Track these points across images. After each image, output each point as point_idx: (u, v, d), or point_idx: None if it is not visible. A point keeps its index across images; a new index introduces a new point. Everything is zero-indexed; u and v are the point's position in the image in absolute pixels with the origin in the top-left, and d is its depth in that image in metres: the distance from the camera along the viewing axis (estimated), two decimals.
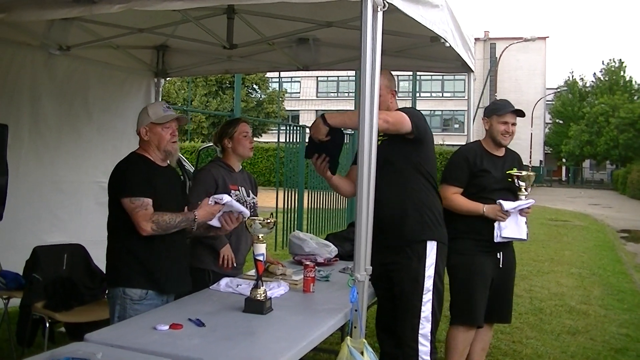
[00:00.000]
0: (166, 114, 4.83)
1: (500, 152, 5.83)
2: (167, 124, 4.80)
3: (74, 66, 7.74)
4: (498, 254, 5.77)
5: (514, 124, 5.80)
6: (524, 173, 5.69)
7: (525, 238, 5.71)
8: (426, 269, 4.96)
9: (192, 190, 5.62)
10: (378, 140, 4.49)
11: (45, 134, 7.31)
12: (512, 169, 5.75)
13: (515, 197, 5.67)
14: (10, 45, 7.07)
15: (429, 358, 4.96)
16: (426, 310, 4.95)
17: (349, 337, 4.04)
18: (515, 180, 5.66)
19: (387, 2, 4.21)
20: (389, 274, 4.96)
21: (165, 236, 4.60)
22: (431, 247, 5.00)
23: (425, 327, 4.94)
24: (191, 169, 14.74)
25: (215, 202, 4.70)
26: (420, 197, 5.08)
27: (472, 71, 7.55)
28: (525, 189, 5.66)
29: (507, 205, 5.52)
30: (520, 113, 5.82)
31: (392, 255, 4.93)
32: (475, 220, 5.57)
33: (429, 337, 4.95)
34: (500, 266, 5.79)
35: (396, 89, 5.15)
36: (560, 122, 76.26)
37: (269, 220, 4.31)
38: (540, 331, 8.52)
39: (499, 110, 5.78)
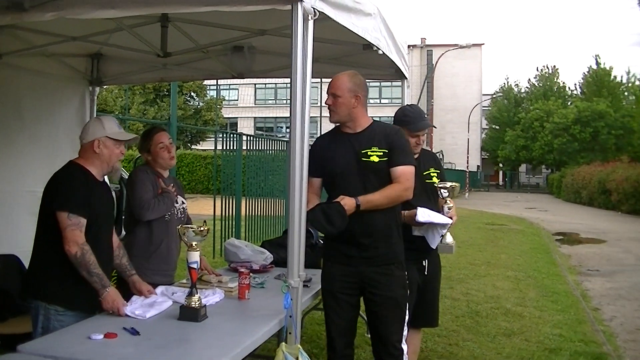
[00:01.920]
0: (121, 131, 4.80)
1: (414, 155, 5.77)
2: (120, 142, 4.77)
3: (6, 74, 7.62)
4: (423, 262, 5.86)
5: (424, 134, 5.88)
6: (448, 184, 5.71)
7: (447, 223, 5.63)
8: (406, 279, 5.14)
9: (135, 189, 5.49)
10: (374, 155, 4.79)
11: None
12: (428, 170, 5.82)
13: (434, 201, 5.77)
14: None
15: (407, 356, 5.19)
16: (408, 315, 5.19)
17: (283, 343, 4.08)
18: (440, 191, 5.71)
19: (318, 11, 4.26)
20: (377, 284, 4.99)
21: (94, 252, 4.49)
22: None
23: (405, 330, 5.17)
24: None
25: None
26: (399, 213, 5.21)
27: (406, 78, 7.63)
28: (448, 200, 5.71)
29: (422, 215, 5.49)
30: (431, 127, 5.87)
31: (383, 265, 4.99)
32: (404, 229, 5.51)
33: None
34: (425, 273, 5.89)
35: (363, 94, 5.07)
36: (497, 127, 77.28)
37: (202, 228, 4.32)
38: (476, 333, 8.64)
39: (410, 125, 5.73)
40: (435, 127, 5.99)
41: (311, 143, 4.89)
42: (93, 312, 4.54)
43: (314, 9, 4.21)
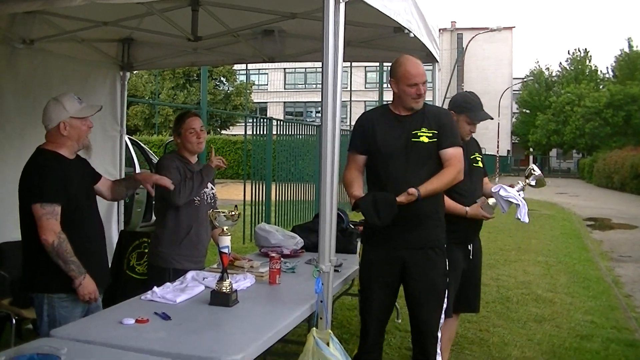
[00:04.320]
0: (83, 107, 4.74)
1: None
2: (85, 117, 4.73)
3: (38, 60, 7.66)
4: (469, 246, 5.83)
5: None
6: (537, 173, 5.78)
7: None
8: (447, 265, 5.10)
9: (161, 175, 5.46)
10: (424, 136, 4.77)
11: (8, 130, 7.23)
12: (474, 154, 5.80)
13: (477, 186, 5.78)
14: None
15: (441, 343, 5.17)
16: (446, 302, 5.13)
17: (314, 328, 4.06)
18: (527, 179, 5.77)
19: None
20: (417, 267, 4.98)
21: (79, 236, 4.56)
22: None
23: (442, 317, 5.11)
24: None
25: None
26: (442, 197, 5.18)
27: (437, 61, 7.57)
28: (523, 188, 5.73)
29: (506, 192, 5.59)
30: (491, 118, 5.86)
31: (423, 249, 4.97)
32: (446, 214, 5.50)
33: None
34: (470, 257, 5.86)
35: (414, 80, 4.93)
36: (527, 111, 76.76)
37: (233, 213, 4.32)
38: (507, 319, 8.59)
39: (471, 113, 5.72)
40: (492, 119, 5.96)
41: (343, 127, 4.87)
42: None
43: None
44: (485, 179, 6.13)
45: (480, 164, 5.90)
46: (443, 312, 5.10)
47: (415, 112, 4.97)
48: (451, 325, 6.02)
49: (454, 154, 4.90)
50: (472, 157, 5.80)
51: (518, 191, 5.65)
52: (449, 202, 5.43)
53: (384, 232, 4.89)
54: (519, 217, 5.66)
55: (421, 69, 4.96)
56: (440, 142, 4.89)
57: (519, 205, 5.64)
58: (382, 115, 5.16)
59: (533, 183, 5.79)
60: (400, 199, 4.64)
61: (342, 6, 4.21)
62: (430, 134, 4.89)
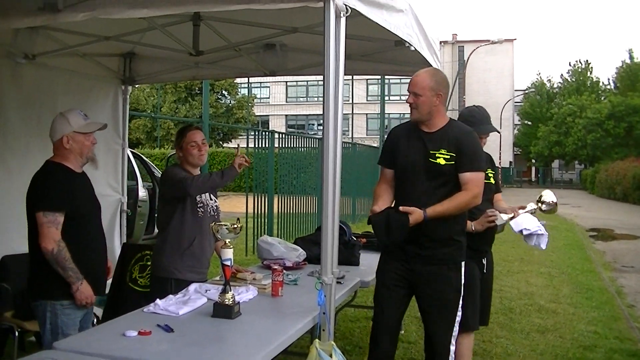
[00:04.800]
0: (87, 123, 4.91)
1: None
2: (89, 133, 4.90)
3: (41, 75, 7.69)
4: (483, 260, 5.83)
5: (487, 137, 5.86)
6: (550, 200, 5.93)
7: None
8: (462, 279, 5.07)
9: (170, 177, 5.63)
10: (442, 158, 4.80)
11: (12, 143, 7.26)
12: (486, 171, 5.77)
13: (488, 202, 5.78)
14: None
15: (454, 355, 5.14)
16: (459, 316, 5.10)
17: (317, 340, 4.08)
18: (539, 204, 5.92)
19: (350, 7, 4.25)
20: (429, 282, 4.99)
21: (81, 244, 4.71)
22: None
23: (456, 330, 5.09)
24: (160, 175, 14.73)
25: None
26: (462, 218, 5.15)
27: None
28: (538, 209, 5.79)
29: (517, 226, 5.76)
30: (496, 131, 5.87)
31: (437, 265, 4.97)
32: None
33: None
34: (484, 271, 5.88)
35: (444, 92, 5.00)
36: (529, 123, 76.79)
37: (235, 225, 4.34)
38: (510, 330, 8.60)
39: (475, 127, 5.57)
40: (499, 132, 5.95)
41: (345, 140, 4.90)
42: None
43: (346, 5, 4.20)
44: (498, 196, 6.10)
45: (491, 180, 5.88)
46: (457, 325, 5.08)
47: (438, 131, 4.97)
48: (469, 336, 6.00)
49: (471, 178, 4.88)
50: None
51: (531, 213, 5.71)
52: None
53: (400, 246, 4.95)
54: (540, 245, 5.71)
55: (415, 78, 4.99)
56: (458, 166, 4.88)
57: (542, 235, 5.69)
58: (407, 130, 5.18)
59: (544, 208, 5.81)
60: (412, 216, 4.69)
61: (342, 20, 4.24)
62: (448, 156, 4.88)
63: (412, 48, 6.01)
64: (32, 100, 7.43)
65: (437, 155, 4.88)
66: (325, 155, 4.23)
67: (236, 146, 5.99)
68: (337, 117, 4.25)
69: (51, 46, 7.26)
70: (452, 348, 5.09)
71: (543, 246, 5.76)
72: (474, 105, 6.11)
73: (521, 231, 5.75)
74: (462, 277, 5.06)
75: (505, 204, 6.10)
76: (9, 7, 4.75)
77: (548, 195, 5.97)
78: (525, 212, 5.80)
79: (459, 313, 5.09)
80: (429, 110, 4.95)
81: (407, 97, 4.99)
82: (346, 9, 4.22)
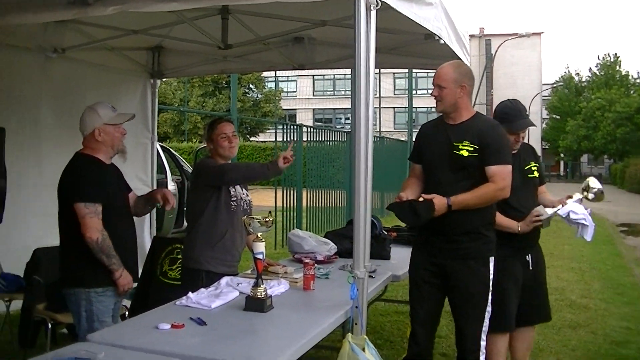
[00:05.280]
0: (117, 114, 4.94)
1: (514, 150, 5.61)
2: (119, 124, 4.93)
3: (72, 69, 7.75)
4: (527, 257, 5.67)
5: (524, 132, 5.76)
6: (596, 188, 5.78)
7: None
8: (490, 275, 5.04)
9: (206, 165, 5.66)
10: (465, 150, 4.77)
11: (45, 136, 7.33)
12: (529, 164, 5.69)
13: (534, 197, 5.70)
14: (6, 49, 7.10)
15: (485, 350, 5.13)
16: (489, 310, 5.07)
17: (350, 334, 4.06)
18: (586, 193, 5.78)
19: (380, 1, 4.22)
20: (457, 276, 4.97)
21: (115, 234, 4.76)
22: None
23: (486, 325, 5.07)
24: (189, 169, 14.78)
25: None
26: (489, 212, 5.11)
27: None
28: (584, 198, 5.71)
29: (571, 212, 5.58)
30: (532, 125, 5.78)
31: (465, 259, 4.95)
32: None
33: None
34: (530, 268, 5.68)
35: (469, 83, 4.98)
36: (557, 117, 76.22)
37: (267, 219, 4.33)
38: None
39: (509, 124, 5.49)
40: (535, 126, 5.85)
41: (375, 134, 4.88)
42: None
43: None
44: (542, 188, 5.98)
45: (535, 174, 5.75)
46: (487, 320, 5.04)
47: (462, 123, 4.96)
48: (527, 336, 5.96)
49: (496, 171, 4.83)
50: (526, 167, 5.67)
51: (578, 202, 5.63)
52: (500, 218, 5.33)
53: (428, 239, 4.96)
54: (585, 237, 5.63)
55: (440, 70, 4.97)
56: (483, 159, 4.85)
57: (588, 226, 5.61)
58: (435, 125, 5.21)
59: (591, 197, 5.73)
60: (435, 199, 4.69)
61: (373, 13, 4.21)
62: (472, 149, 4.85)
63: (442, 41, 5.99)
64: (63, 93, 7.50)
65: (460, 147, 4.86)
66: (356, 149, 4.20)
67: (288, 141, 5.97)
68: (368, 110, 4.22)
69: (80, 40, 7.31)
70: (483, 343, 5.06)
71: (588, 238, 5.67)
72: (507, 100, 5.94)
73: (568, 215, 5.62)
74: (491, 272, 5.02)
75: (551, 195, 6.00)
76: (40, 1, 4.77)
77: (594, 182, 5.87)
78: (573, 201, 5.70)
79: (489, 308, 5.05)
80: (453, 102, 4.93)
81: (432, 90, 4.98)
82: (376, 1, 4.20)
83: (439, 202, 4.70)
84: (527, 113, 5.86)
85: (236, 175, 5.49)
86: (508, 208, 5.36)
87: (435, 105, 5.03)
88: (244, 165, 5.44)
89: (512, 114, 5.67)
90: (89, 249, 4.63)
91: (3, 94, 7.20)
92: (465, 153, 4.84)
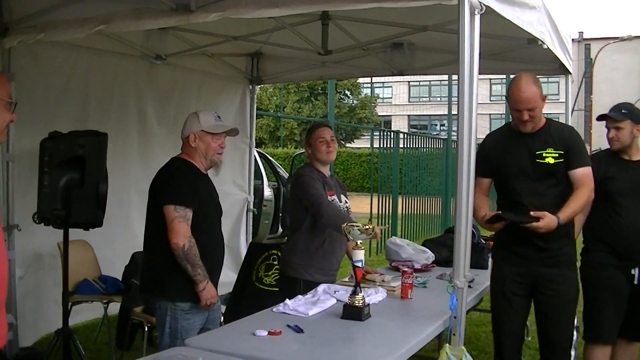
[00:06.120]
0: (217, 124, 4.76)
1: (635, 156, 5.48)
2: (218, 135, 4.73)
3: (176, 75, 7.89)
4: (633, 270, 5.38)
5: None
6: None
7: None
8: (578, 281, 5.00)
9: (306, 185, 5.47)
10: (550, 157, 4.70)
11: (150, 142, 7.47)
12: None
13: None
14: (113, 56, 7.26)
15: None
16: (577, 319, 5.04)
17: (447, 345, 4.00)
18: None
19: (484, 5, 4.16)
20: (550, 284, 4.88)
21: (203, 244, 4.53)
22: None
23: (574, 335, 5.04)
24: (285, 175, 14.86)
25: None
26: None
27: (570, 73, 7.40)
28: None
29: None
30: None
31: (557, 266, 4.87)
32: (603, 232, 5.36)
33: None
34: (635, 282, 5.37)
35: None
36: None
37: (367, 227, 4.29)
38: None
39: None
40: None
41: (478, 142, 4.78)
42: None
43: (480, 3, 4.11)
44: None
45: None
46: (576, 331, 4.95)
47: (539, 131, 4.85)
48: (629, 352, 5.70)
49: (584, 173, 4.79)
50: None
51: None
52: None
53: (518, 250, 4.85)
54: None
55: (525, 95, 4.70)
56: (569, 163, 4.77)
57: None
58: (502, 135, 5.11)
59: None
60: (545, 220, 4.54)
61: (477, 18, 4.14)
62: (557, 154, 4.77)
63: (545, 46, 5.87)
64: (167, 100, 7.65)
65: (544, 154, 4.78)
66: (459, 156, 4.14)
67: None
68: (472, 117, 4.15)
69: (181, 47, 7.43)
70: (573, 353, 5.00)
71: None
72: (626, 103, 5.80)
73: None
74: (577, 278, 4.99)
75: None
76: (143, 9, 4.85)
77: None
78: None
79: (577, 317, 5.00)
80: (540, 117, 4.84)
81: (517, 114, 4.76)
82: (480, 6, 4.13)
83: (549, 221, 4.55)
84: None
85: (327, 222, 5.32)
86: (614, 214, 5.31)
87: (523, 126, 4.81)
88: (338, 214, 5.29)
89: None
90: (173, 256, 4.41)
91: (111, 100, 7.36)
92: (551, 160, 4.77)
